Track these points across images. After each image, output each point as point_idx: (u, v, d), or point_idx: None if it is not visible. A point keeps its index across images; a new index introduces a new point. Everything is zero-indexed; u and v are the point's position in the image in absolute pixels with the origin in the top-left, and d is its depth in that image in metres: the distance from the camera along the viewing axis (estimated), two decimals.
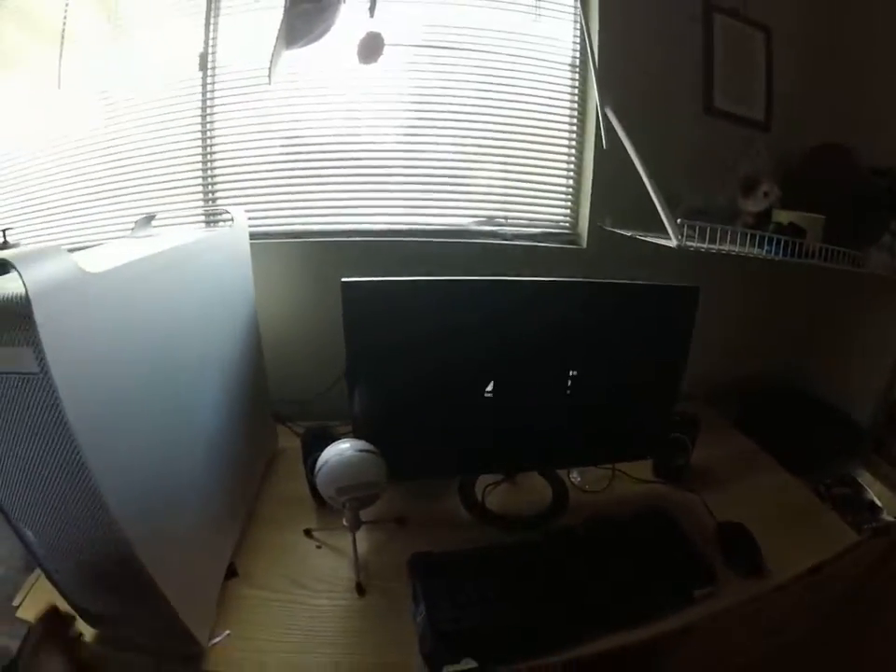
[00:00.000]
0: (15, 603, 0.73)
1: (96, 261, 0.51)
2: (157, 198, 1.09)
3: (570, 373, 0.87)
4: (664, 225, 0.82)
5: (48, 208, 1.13)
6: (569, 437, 0.94)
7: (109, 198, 1.10)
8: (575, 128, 1.08)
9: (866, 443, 1.20)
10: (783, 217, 0.96)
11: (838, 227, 0.97)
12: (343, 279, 0.76)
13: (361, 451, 0.75)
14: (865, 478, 1.14)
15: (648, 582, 0.78)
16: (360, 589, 0.77)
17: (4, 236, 0.97)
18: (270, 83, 0.98)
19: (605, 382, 0.90)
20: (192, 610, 0.64)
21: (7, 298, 0.40)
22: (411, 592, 0.75)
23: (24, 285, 0.39)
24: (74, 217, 1.12)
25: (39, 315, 0.40)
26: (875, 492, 1.10)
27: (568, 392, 0.88)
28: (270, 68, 0.96)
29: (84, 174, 1.09)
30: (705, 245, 0.79)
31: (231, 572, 0.79)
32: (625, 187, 0.86)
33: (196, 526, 0.70)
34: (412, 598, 0.75)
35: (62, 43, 1.07)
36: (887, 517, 1.05)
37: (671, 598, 0.77)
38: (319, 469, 0.74)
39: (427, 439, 0.90)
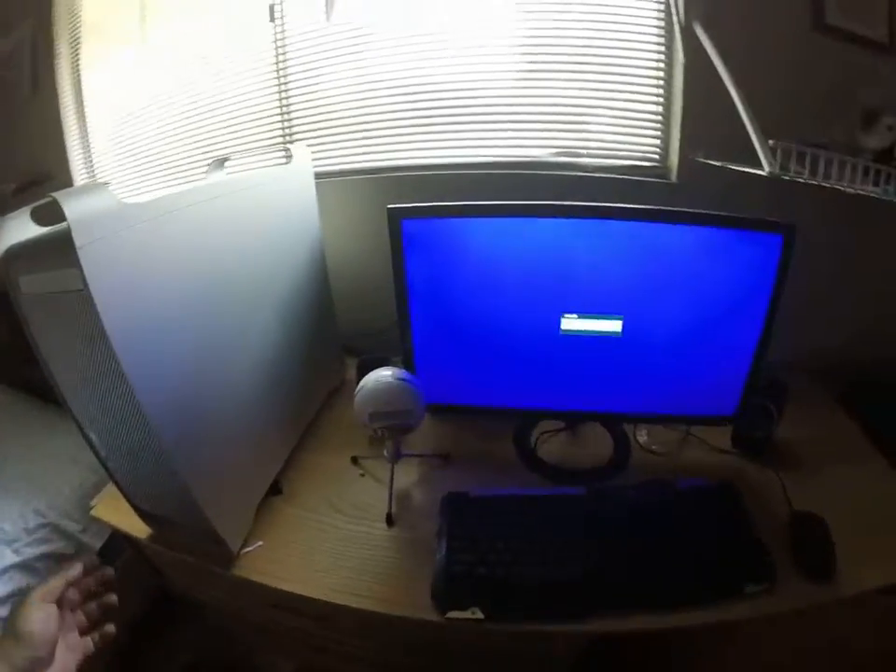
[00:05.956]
0: (92, 503, 0.84)
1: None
2: (239, 146, 1.16)
3: (644, 315, 0.77)
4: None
5: (149, 163, 1.29)
6: (638, 388, 0.84)
7: (202, 151, 1.20)
8: (663, 48, 0.94)
9: None
10: None
11: None
12: (389, 206, 0.72)
13: (398, 379, 0.74)
14: None
15: (692, 565, 0.69)
16: (389, 520, 0.78)
17: None
18: (328, 21, 0.98)
19: (681, 327, 0.79)
20: (227, 519, 0.70)
21: (59, 230, 0.48)
22: (437, 529, 0.74)
23: (66, 216, 0.45)
24: (171, 169, 1.26)
25: (78, 239, 0.46)
26: None
27: (640, 336, 0.79)
28: (326, 6, 0.96)
29: (179, 131, 1.22)
30: (804, 177, 0.64)
31: (276, 489, 0.83)
32: (721, 113, 0.73)
33: (239, 442, 0.74)
34: (436, 535, 0.73)
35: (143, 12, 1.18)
36: None
37: (716, 589, 0.67)
38: (357, 393, 0.75)
39: (482, 374, 0.85)
